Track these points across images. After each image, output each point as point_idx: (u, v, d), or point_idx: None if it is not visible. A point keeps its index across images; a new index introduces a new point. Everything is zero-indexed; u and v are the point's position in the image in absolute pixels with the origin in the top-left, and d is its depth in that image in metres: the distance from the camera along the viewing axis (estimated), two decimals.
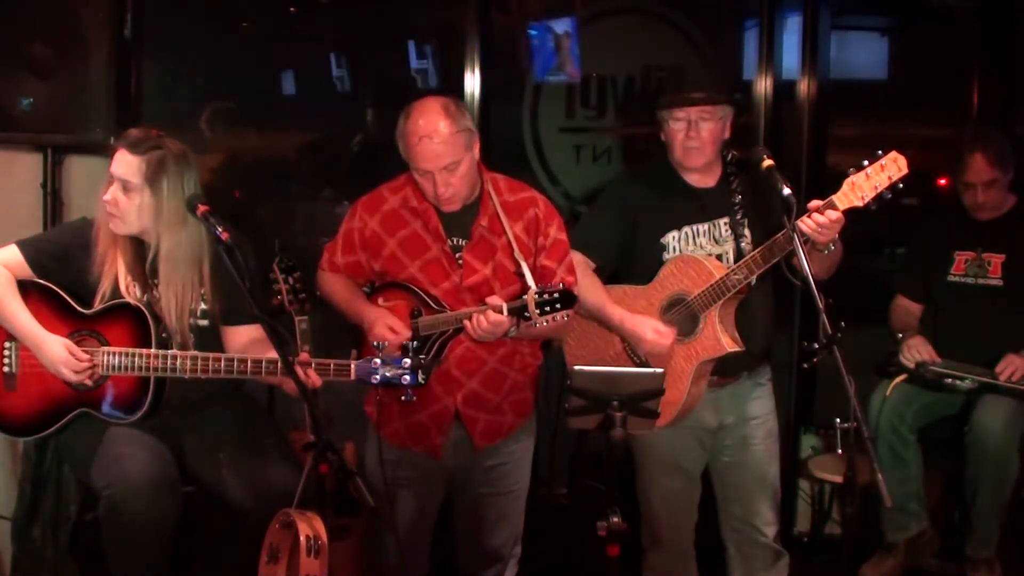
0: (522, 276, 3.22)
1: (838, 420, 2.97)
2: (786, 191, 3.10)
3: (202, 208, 3.06)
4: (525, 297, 3.06)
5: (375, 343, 3.12)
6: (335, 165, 5.02)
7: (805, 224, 3.15)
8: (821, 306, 2.97)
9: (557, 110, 4.96)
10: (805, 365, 3.09)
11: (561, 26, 4.91)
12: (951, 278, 4.15)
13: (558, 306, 3.04)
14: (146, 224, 3.21)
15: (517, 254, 3.22)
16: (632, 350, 3.48)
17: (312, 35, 4.92)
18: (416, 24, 4.88)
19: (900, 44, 5.56)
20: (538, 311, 3.03)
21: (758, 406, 3.56)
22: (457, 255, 3.26)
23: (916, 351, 4.06)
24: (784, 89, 5.04)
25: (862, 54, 5.52)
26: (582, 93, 4.96)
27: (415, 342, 3.15)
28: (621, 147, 5.04)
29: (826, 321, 2.96)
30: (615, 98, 4.98)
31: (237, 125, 4.82)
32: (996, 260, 4.09)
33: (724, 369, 3.47)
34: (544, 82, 4.94)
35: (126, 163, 3.17)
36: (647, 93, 4.95)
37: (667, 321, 3.39)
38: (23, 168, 4.02)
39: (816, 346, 2.97)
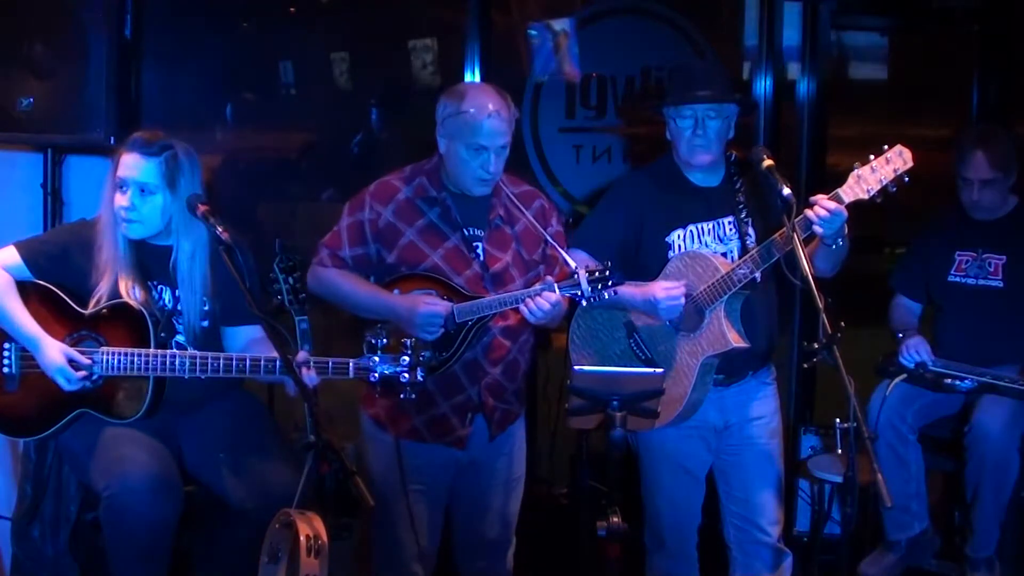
0: (539, 262, 3.31)
1: (838, 420, 2.97)
2: (786, 191, 3.11)
3: (202, 207, 3.06)
4: (576, 276, 3.09)
5: (422, 336, 3.11)
6: (335, 165, 5.02)
7: (809, 212, 3.16)
8: (821, 306, 2.97)
9: (557, 110, 4.96)
10: (805, 365, 3.10)
11: (561, 26, 4.91)
12: (951, 278, 4.15)
13: (610, 283, 3.08)
14: (165, 225, 3.21)
15: (550, 238, 3.29)
16: (639, 346, 3.48)
17: (312, 35, 4.92)
18: (416, 24, 4.88)
19: (900, 44, 5.57)
20: (590, 288, 3.07)
21: (763, 405, 3.55)
22: (474, 244, 3.29)
23: (916, 351, 4.06)
24: (784, 89, 5.05)
25: (862, 54, 5.52)
26: (582, 93, 4.97)
27: (452, 329, 3.17)
28: (621, 147, 5.04)
29: (826, 321, 2.96)
30: (615, 98, 4.99)
31: (238, 125, 4.82)
32: (997, 261, 4.08)
33: (729, 369, 3.46)
34: (544, 82, 4.94)
35: (142, 166, 3.16)
36: (647, 93, 4.95)
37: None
38: (23, 168, 4.02)
39: (816, 346, 2.98)
